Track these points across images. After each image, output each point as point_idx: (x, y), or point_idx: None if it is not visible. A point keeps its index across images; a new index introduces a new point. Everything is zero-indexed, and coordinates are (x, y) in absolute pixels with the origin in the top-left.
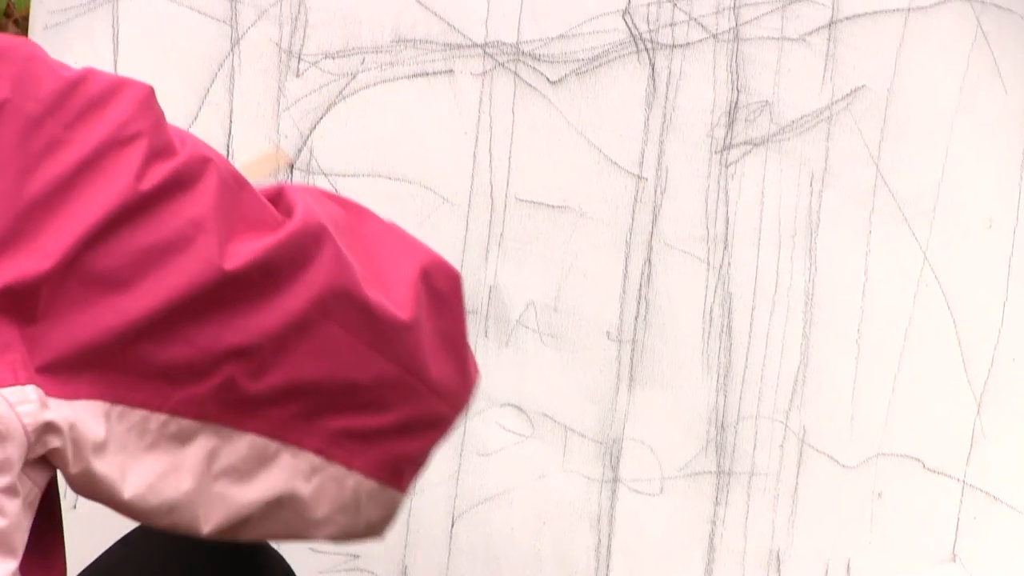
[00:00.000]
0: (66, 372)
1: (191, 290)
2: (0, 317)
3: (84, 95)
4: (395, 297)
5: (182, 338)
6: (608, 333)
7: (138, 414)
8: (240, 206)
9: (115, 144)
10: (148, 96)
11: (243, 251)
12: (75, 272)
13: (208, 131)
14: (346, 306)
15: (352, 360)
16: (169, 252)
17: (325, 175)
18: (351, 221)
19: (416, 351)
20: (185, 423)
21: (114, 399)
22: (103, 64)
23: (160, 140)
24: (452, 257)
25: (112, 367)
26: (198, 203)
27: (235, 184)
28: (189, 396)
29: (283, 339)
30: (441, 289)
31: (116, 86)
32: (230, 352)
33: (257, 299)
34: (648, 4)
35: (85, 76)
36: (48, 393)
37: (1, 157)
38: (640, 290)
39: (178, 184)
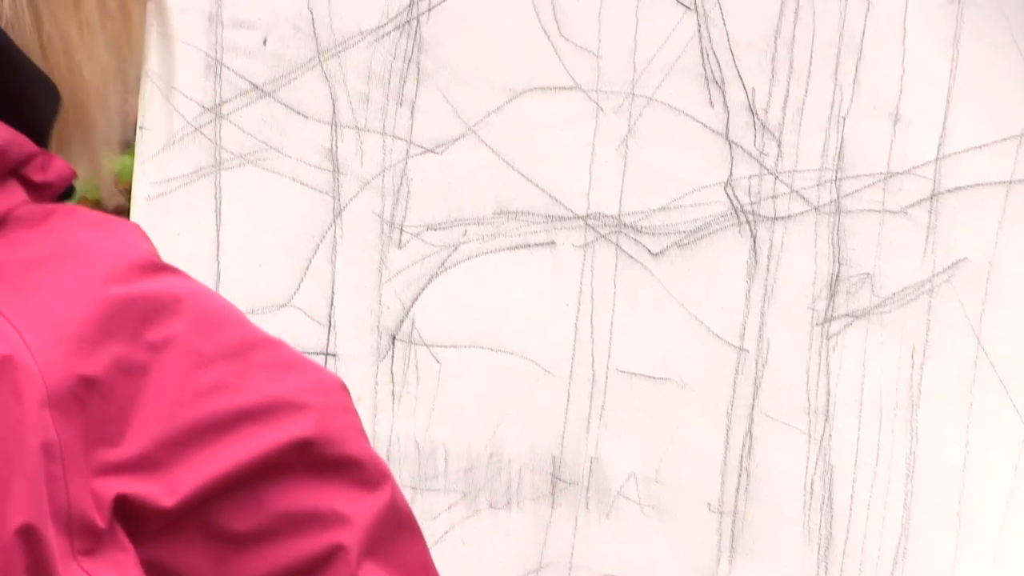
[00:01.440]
0: None
1: None
2: (115, 522)
3: (268, 354)
4: None
5: None
6: (709, 505)
7: None
8: (398, 544)
9: (287, 406)
10: (340, 385)
11: None
12: (196, 516)
13: (311, 302)
14: None
15: None
16: (302, 529)
17: (427, 346)
18: None
19: None
20: None
21: None
22: (205, 235)
23: (335, 426)
24: (552, 429)
25: None
26: (354, 505)
27: (406, 519)
28: None
29: None
30: None
31: (304, 360)
32: None
33: None
34: (750, 177)
35: (276, 341)
36: None
37: (160, 386)
38: (741, 462)
39: (341, 472)
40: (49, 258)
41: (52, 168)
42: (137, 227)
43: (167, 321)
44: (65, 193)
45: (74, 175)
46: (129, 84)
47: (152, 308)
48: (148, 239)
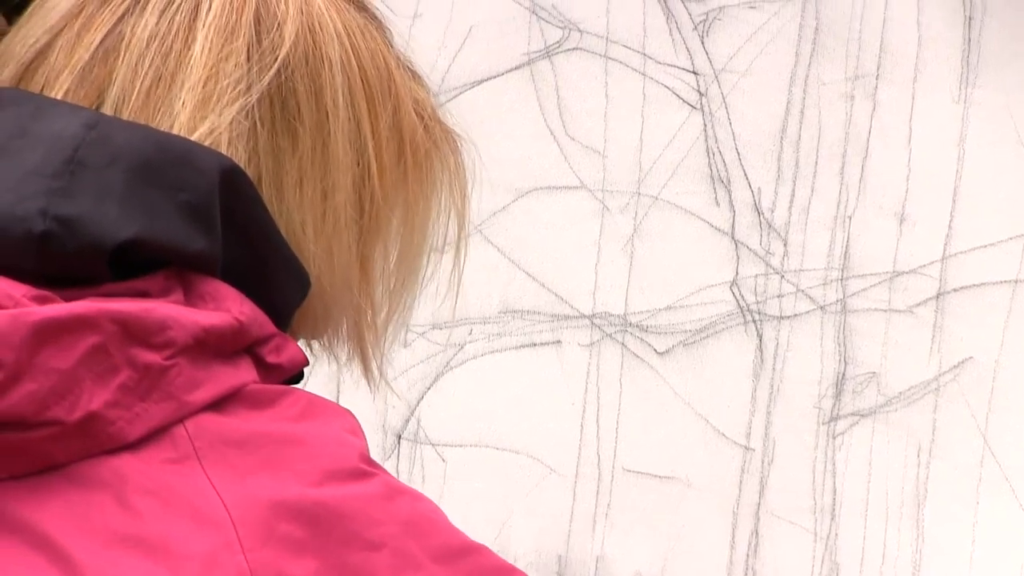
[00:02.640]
0: None
1: None
2: None
3: (475, 561)
4: None
5: None
6: None
7: None
8: None
9: None
10: None
11: None
12: None
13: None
14: None
15: None
16: None
17: (432, 445)
18: None
19: None
20: None
21: None
22: None
23: None
24: (558, 528)
25: None
26: None
27: None
28: None
29: None
30: None
31: (507, 567)
32: None
33: None
34: (755, 276)
35: (480, 547)
36: None
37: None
38: (747, 560)
39: None
40: (270, 443)
41: (286, 351)
42: (353, 419)
43: (380, 524)
44: (294, 377)
45: (306, 362)
46: (396, 289)
47: (365, 511)
48: (361, 432)
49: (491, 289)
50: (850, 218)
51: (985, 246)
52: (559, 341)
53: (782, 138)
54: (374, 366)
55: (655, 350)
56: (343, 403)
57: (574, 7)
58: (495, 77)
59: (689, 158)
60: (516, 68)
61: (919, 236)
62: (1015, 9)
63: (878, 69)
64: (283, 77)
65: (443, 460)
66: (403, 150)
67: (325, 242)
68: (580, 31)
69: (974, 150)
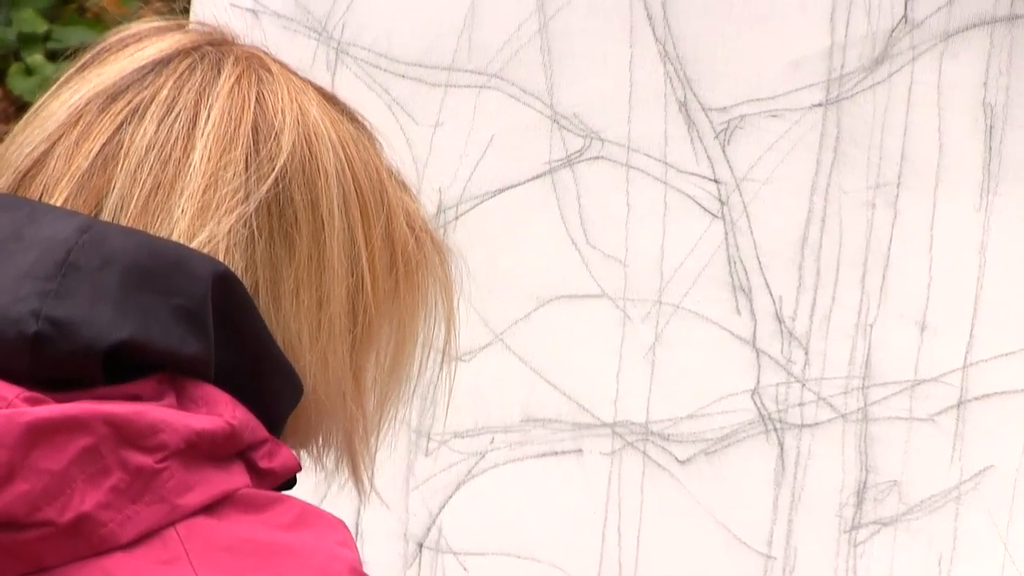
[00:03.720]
0: None
1: None
2: None
3: None
4: None
5: None
6: None
7: None
8: None
9: None
10: None
11: None
12: None
13: (337, 507)
14: None
15: None
16: None
17: (454, 554)
18: None
19: None
20: None
21: None
22: None
23: None
24: None
25: None
26: None
27: None
28: None
29: None
30: None
31: None
32: None
33: None
34: (777, 384)
35: None
36: None
37: None
38: None
39: None
40: (261, 550)
41: (278, 457)
42: (346, 531)
43: None
44: (287, 483)
45: (299, 467)
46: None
47: None
48: (353, 544)
49: (512, 398)
50: (871, 326)
51: (1007, 354)
52: (580, 450)
53: (803, 247)
54: (364, 474)
55: (676, 459)
56: (367, 515)
57: (595, 116)
58: (516, 185)
59: (710, 267)
60: (537, 177)
61: (940, 344)
62: None
63: (899, 177)
64: (280, 186)
65: (464, 569)
66: (395, 260)
67: (320, 351)
68: (601, 140)
69: (995, 258)
